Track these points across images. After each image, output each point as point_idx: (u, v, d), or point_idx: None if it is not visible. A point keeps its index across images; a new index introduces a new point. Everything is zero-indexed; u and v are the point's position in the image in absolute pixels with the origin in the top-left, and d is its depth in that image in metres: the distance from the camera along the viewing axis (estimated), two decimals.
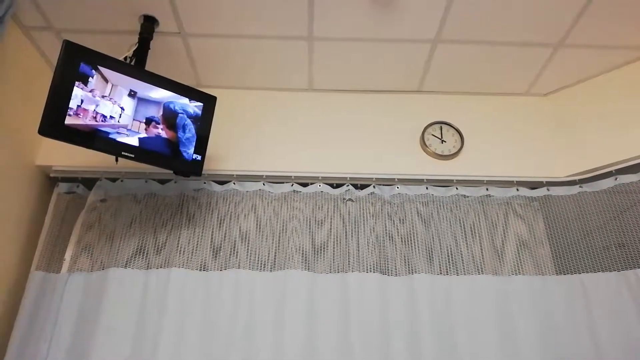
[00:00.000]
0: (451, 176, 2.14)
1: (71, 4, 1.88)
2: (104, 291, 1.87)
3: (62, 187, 2.16)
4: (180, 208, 2.10)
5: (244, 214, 2.09)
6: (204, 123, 1.88)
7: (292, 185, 2.16)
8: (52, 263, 1.98)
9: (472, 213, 2.10)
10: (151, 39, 1.94)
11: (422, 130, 2.21)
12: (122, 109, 1.70)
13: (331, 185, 2.17)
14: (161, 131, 1.78)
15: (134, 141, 1.71)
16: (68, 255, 1.99)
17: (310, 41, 2.05)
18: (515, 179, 2.14)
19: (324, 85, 2.32)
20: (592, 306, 1.85)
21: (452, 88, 2.32)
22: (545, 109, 2.30)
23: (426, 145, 2.18)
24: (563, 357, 1.78)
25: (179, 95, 1.84)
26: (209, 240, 2.02)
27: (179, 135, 1.82)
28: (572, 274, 1.93)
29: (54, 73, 1.59)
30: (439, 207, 2.12)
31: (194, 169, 1.85)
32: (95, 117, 1.64)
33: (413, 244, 2.01)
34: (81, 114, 1.61)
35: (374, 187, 2.15)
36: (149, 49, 1.93)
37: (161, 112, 1.79)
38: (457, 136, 2.21)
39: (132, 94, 1.73)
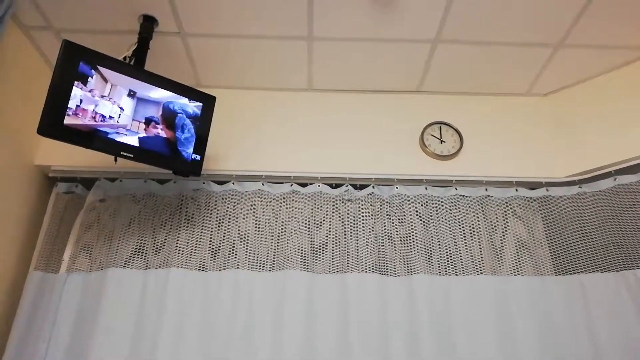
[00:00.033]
0: (450, 176, 2.14)
1: (71, 4, 1.88)
2: (103, 291, 1.86)
3: (61, 187, 2.16)
4: (179, 208, 2.10)
5: (243, 214, 2.09)
6: (203, 123, 1.88)
7: (292, 185, 2.15)
8: (51, 263, 1.98)
9: (471, 213, 2.10)
10: (150, 38, 1.94)
11: (422, 130, 2.21)
12: (122, 109, 1.70)
13: (330, 186, 2.16)
14: (160, 131, 1.78)
15: (133, 141, 1.71)
16: (67, 255, 1.99)
17: (310, 41, 2.05)
18: (514, 180, 2.14)
19: (324, 85, 2.32)
20: (591, 306, 1.85)
21: (452, 88, 2.32)
22: (545, 109, 2.30)
23: (425, 146, 2.18)
24: (562, 358, 1.78)
25: (179, 95, 1.84)
26: (208, 241, 2.02)
27: (178, 135, 1.82)
28: (571, 274, 1.93)
29: (53, 73, 1.59)
30: (438, 208, 2.12)
31: (193, 169, 1.85)
32: (94, 117, 1.64)
33: (412, 244, 2.01)
34: (80, 113, 1.61)
35: (373, 187, 2.15)
36: (149, 48, 1.93)
37: (160, 112, 1.79)
38: (456, 136, 2.21)
39: (131, 94, 1.73)
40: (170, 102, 1.81)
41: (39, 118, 1.55)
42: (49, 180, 2.17)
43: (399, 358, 1.77)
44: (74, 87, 1.60)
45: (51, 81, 1.58)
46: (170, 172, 2.00)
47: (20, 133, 1.99)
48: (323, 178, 2.15)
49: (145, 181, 2.15)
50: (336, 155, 2.18)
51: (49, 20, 1.95)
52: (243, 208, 2.10)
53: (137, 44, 1.90)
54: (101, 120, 1.65)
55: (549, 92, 2.32)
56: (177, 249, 1.98)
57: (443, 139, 2.21)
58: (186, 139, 1.83)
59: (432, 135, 2.21)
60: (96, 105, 1.65)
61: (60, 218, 2.08)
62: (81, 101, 1.61)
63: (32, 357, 1.78)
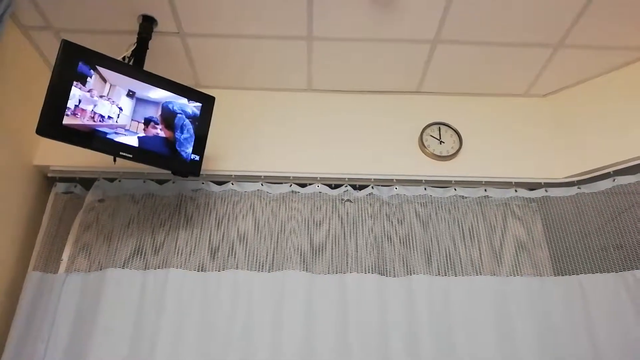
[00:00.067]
0: (449, 177, 2.14)
1: (70, 4, 1.88)
2: (102, 291, 1.86)
3: (60, 187, 2.16)
4: (179, 208, 2.10)
5: (242, 214, 2.09)
6: (202, 123, 1.88)
7: (291, 185, 2.15)
8: (50, 263, 1.98)
9: (470, 214, 2.10)
10: (150, 39, 1.94)
11: (421, 130, 2.21)
12: (120, 109, 1.70)
13: (329, 186, 2.16)
14: (160, 131, 1.78)
15: (132, 141, 1.71)
16: (65, 255, 1.99)
17: (310, 41, 2.05)
18: (513, 180, 2.14)
19: (323, 86, 2.32)
20: (590, 307, 1.85)
21: (451, 89, 2.32)
22: (544, 109, 2.30)
23: (425, 146, 2.17)
24: (561, 358, 1.78)
25: (178, 96, 1.83)
26: (207, 241, 2.02)
27: (177, 136, 1.81)
28: (570, 275, 1.93)
29: (52, 73, 1.59)
30: (437, 208, 2.12)
31: (192, 169, 1.85)
32: (93, 117, 1.64)
33: (411, 244, 2.01)
34: (79, 113, 1.61)
35: (372, 187, 2.15)
36: (148, 49, 1.93)
37: (160, 112, 1.79)
38: (455, 137, 2.21)
39: (130, 94, 1.73)
40: (170, 102, 1.81)
41: (38, 118, 1.54)
42: (47, 180, 2.17)
43: (398, 358, 1.77)
44: (73, 87, 1.60)
45: (50, 81, 1.58)
46: (169, 172, 2.00)
47: (19, 133, 1.99)
48: (322, 178, 2.15)
49: (144, 181, 2.15)
50: (335, 155, 2.18)
51: (48, 20, 1.95)
52: (242, 208, 2.10)
53: (136, 44, 1.89)
54: (100, 121, 1.65)
55: (548, 92, 2.32)
56: (176, 249, 1.98)
57: (442, 139, 2.21)
58: (185, 139, 1.83)
59: (431, 135, 2.21)
60: (95, 106, 1.65)
61: (59, 218, 2.08)
62: (80, 101, 1.61)
63: (31, 357, 1.78)
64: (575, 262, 1.95)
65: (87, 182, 2.16)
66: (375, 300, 1.87)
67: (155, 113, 1.78)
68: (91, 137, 1.63)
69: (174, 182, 2.16)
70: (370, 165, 2.16)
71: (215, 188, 2.15)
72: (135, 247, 2.00)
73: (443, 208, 2.12)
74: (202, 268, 1.96)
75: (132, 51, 1.87)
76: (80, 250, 2.00)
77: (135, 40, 1.91)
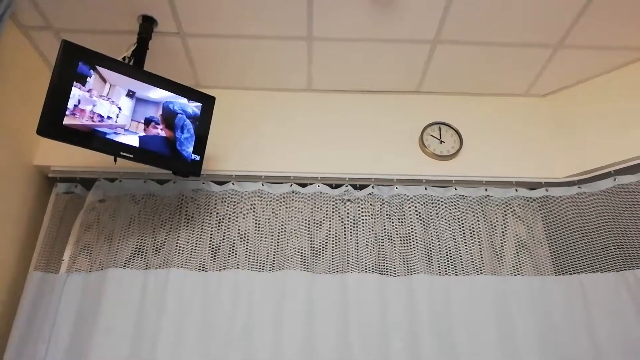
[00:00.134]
0: (450, 177, 2.14)
1: (70, 4, 1.88)
2: (103, 291, 1.86)
3: (61, 187, 2.16)
4: (179, 208, 2.10)
5: (242, 214, 2.09)
6: (202, 123, 1.88)
7: (291, 185, 2.15)
8: (51, 263, 1.98)
9: (470, 213, 2.10)
10: (150, 39, 1.94)
11: (421, 130, 2.21)
12: (120, 109, 1.70)
13: (330, 186, 2.16)
14: (160, 131, 1.78)
15: (132, 141, 1.71)
16: (66, 255, 1.99)
17: (310, 41, 2.05)
18: (514, 180, 2.14)
19: (323, 86, 2.32)
20: (590, 306, 1.85)
21: (451, 89, 2.32)
22: (545, 109, 2.30)
23: (425, 146, 2.18)
24: (562, 357, 1.78)
25: (178, 96, 1.84)
26: (208, 241, 2.02)
27: (178, 135, 1.82)
28: (570, 274, 1.93)
29: (52, 73, 1.59)
30: (437, 208, 2.12)
31: (193, 169, 1.85)
32: (92, 117, 1.64)
33: (412, 244, 2.01)
34: (78, 114, 1.61)
35: (372, 187, 2.15)
36: (148, 49, 1.93)
37: (160, 112, 1.79)
38: (455, 137, 2.21)
39: (130, 94, 1.73)
40: (170, 102, 1.81)
41: (38, 118, 1.54)
42: (48, 180, 2.17)
43: (398, 358, 1.77)
44: (73, 88, 1.60)
45: (50, 81, 1.58)
46: (170, 172, 2.00)
47: (19, 133, 1.99)
48: (323, 178, 2.15)
49: (144, 181, 2.15)
50: (336, 155, 2.18)
51: (48, 20, 1.95)
52: (243, 208, 2.10)
53: (136, 44, 1.89)
54: (99, 121, 1.65)
55: (548, 92, 2.32)
56: (177, 249, 1.98)
57: (443, 139, 2.21)
58: (186, 139, 1.83)
59: (431, 135, 2.21)
60: (94, 106, 1.64)
61: (60, 218, 2.08)
62: (79, 101, 1.61)
63: (32, 357, 1.78)
64: (576, 262, 1.95)
65: (87, 182, 2.16)
66: (375, 300, 1.88)
67: (155, 113, 1.78)
68: (91, 137, 1.63)
69: (174, 182, 2.16)
70: (371, 165, 2.16)
71: (216, 188, 2.15)
72: (136, 247, 2.00)
73: (444, 207, 2.12)
74: (203, 268, 1.96)
75: (132, 51, 1.87)
76: (81, 251, 2.00)
77: (135, 41, 1.91)
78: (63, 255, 1.99)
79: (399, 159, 2.17)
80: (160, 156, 1.77)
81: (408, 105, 2.31)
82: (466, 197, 2.14)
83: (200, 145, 1.86)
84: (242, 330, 1.82)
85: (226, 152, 2.17)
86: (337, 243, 2.02)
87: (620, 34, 1.97)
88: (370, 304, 1.87)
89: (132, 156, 1.71)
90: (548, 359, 1.78)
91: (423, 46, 2.06)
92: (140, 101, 1.75)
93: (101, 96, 1.66)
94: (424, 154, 2.19)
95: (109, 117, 1.67)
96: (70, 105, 1.59)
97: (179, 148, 1.81)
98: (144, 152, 1.73)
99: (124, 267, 1.94)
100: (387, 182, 2.17)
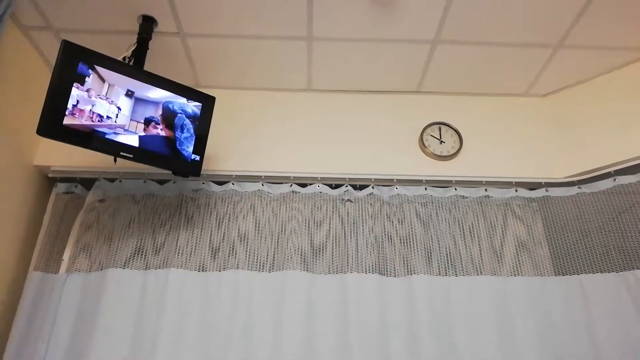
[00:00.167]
0: (450, 177, 2.14)
1: (70, 4, 1.88)
2: (103, 292, 1.86)
3: (61, 187, 2.16)
4: (179, 208, 2.10)
5: (242, 214, 2.09)
6: (202, 123, 1.88)
7: (291, 185, 2.15)
8: (51, 263, 1.98)
9: (470, 214, 2.10)
10: (150, 39, 1.94)
11: (421, 130, 2.21)
12: (119, 108, 1.70)
13: (330, 186, 2.16)
14: (160, 131, 1.78)
15: (132, 141, 1.71)
16: (66, 255, 1.99)
17: (310, 41, 2.05)
18: (514, 180, 2.14)
19: (323, 86, 2.32)
20: (590, 306, 1.85)
21: (451, 89, 2.32)
22: (545, 109, 2.30)
23: (425, 146, 2.18)
24: (562, 357, 1.78)
25: (177, 95, 1.83)
26: (208, 241, 2.02)
27: (177, 135, 1.81)
28: (570, 274, 1.93)
29: (53, 73, 1.59)
30: (437, 208, 2.12)
31: (193, 169, 1.85)
32: (91, 117, 1.64)
33: (412, 244, 2.01)
34: (77, 113, 1.61)
35: (372, 187, 2.15)
36: (148, 49, 1.93)
37: (160, 112, 1.79)
38: (455, 137, 2.21)
39: (129, 94, 1.73)
40: (170, 102, 1.81)
41: (38, 118, 1.55)
42: (48, 180, 2.17)
43: (399, 358, 1.77)
44: (73, 88, 1.60)
45: (50, 81, 1.58)
46: (170, 172, 2.00)
47: (19, 133, 1.99)
48: (323, 178, 2.15)
49: (144, 181, 2.15)
50: (336, 155, 2.18)
51: (48, 20, 1.95)
52: (243, 208, 2.10)
53: (136, 45, 1.89)
54: (98, 120, 1.65)
55: (548, 92, 2.32)
56: (177, 250, 1.98)
57: (442, 139, 2.21)
58: (186, 138, 1.83)
59: (431, 135, 2.21)
60: (93, 105, 1.64)
61: (59, 218, 2.08)
62: (78, 101, 1.61)
63: (31, 357, 1.78)
64: (575, 262, 1.95)
65: (87, 182, 2.16)
66: (375, 300, 1.87)
67: (155, 113, 1.78)
68: (90, 137, 1.63)
69: (174, 182, 2.16)
70: (371, 165, 2.16)
71: (216, 188, 2.15)
72: (135, 247, 2.00)
73: (443, 208, 2.12)
74: (202, 268, 1.96)
75: (132, 51, 1.87)
76: (81, 251, 2.00)
77: (135, 41, 1.91)
78: (63, 255, 1.99)
79: (399, 159, 2.17)
80: (160, 156, 1.77)
81: (408, 105, 2.31)
82: (466, 197, 2.14)
83: (200, 145, 1.86)
84: (241, 330, 1.82)
85: (226, 152, 2.17)
86: (337, 243, 2.02)
87: (620, 34, 1.97)
88: (370, 304, 1.87)
89: (132, 156, 1.71)
90: (548, 359, 1.77)
91: (423, 46, 2.06)
92: (139, 101, 1.75)
93: (100, 96, 1.66)
94: (423, 154, 2.19)
95: (108, 117, 1.67)
96: (69, 105, 1.59)
97: (179, 148, 1.81)
98: (143, 152, 1.73)
99: (124, 267, 1.94)
100: (387, 183, 2.17)
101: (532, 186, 2.15)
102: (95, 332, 1.79)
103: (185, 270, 1.93)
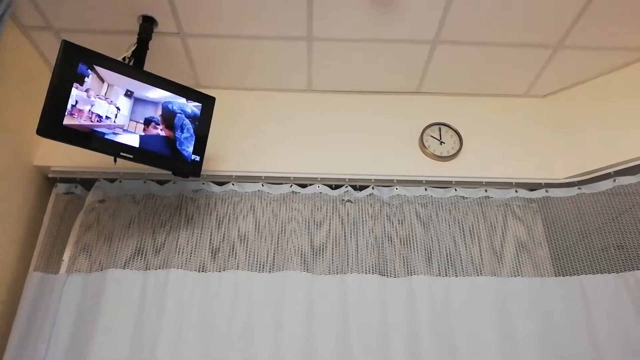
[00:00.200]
0: (450, 177, 2.14)
1: (70, 4, 1.88)
2: (103, 292, 1.86)
3: (61, 187, 2.16)
4: (179, 209, 2.10)
5: (242, 214, 2.09)
6: (202, 123, 1.88)
7: (291, 186, 2.15)
8: (51, 264, 1.98)
9: (471, 214, 2.10)
10: (150, 39, 1.94)
11: (421, 131, 2.21)
12: (118, 109, 1.70)
13: (330, 187, 2.16)
14: (160, 132, 1.78)
15: (132, 142, 1.71)
16: (66, 256, 1.99)
17: (310, 42, 2.05)
18: (514, 181, 2.14)
19: (323, 86, 2.32)
20: (591, 307, 1.85)
21: (451, 89, 2.32)
22: (545, 110, 2.30)
23: (425, 147, 2.17)
24: (562, 358, 1.78)
25: (177, 96, 1.83)
26: (208, 241, 2.02)
27: (177, 135, 1.81)
28: (570, 275, 1.93)
29: (53, 73, 1.58)
30: (437, 209, 2.12)
31: (193, 169, 1.85)
32: (90, 117, 1.63)
33: (412, 245, 2.01)
34: (76, 114, 1.60)
35: (372, 188, 2.15)
36: (148, 49, 1.93)
37: (160, 112, 1.78)
38: (455, 137, 2.21)
39: (128, 94, 1.73)
40: (169, 102, 1.81)
41: (38, 118, 1.54)
42: (48, 180, 2.17)
43: (399, 359, 1.77)
44: (73, 88, 1.60)
45: (50, 82, 1.57)
46: (170, 173, 2.00)
47: (19, 133, 1.99)
48: (323, 179, 2.15)
49: (144, 182, 2.15)
50: (336, 156, 2.18)
51: (48, 20, 1.95)
52: (243, 209, 2.10)
53: (136, 45, 1.89)
54: (97, 121, 1.65)
55: (548, 93, 2.32)
56: (177, 250, 1.98)
57: (442, 140, 2.21)
58: (186, 138, 1.83)
59: (431, 136, 2.21)
60: (92, 106, 1.64)
61: (60, 219, 2.08)
62: (77, 102, 1.61)
63: (32, 357, 1.78)
64: (575, 263, 1.95)
65: (87, 183, 2.16)
66: (375, 301, 1.87)
67: (155, 113, 1.77)
68: (89, 138, 1.63)
69: (174, 183, 2.16)
70: (371, 166, 2.16)
71: (216, 188, 2.15)
72: (136, 247, 2.00)
73: (444, 208, 2.12)
74: (202, 268, 1.96)
75: (133, 52, 1.87)
76: (81, 251, 2.00)
77: (135, 41, 1.91)
78: (63, 255, 1.99)
79: (399, 160, 2.17)
80: (160, 156, 1.77)
81: (408, 106, 2.31)
82: (466, 198, 2.14)
83: (200, 146, 1.86)
84: (241, 330, 1.82)
85: (226, 153, 2.17)
86: (337, 244, 2.02)
87: (620, 35, 1.97)
88: (370, 304, 1.87)
89: (131, 157, 1.70)
90: (548, 359, 1.78)
91: (423, 46, 2.06)
92: (138, 101, 1.75)
93: (99, 96, 1.66)
94: (423, 154, 2.19)
95: (107, 117, 1.67)
96: (68, 105, 1.59)
97: (179, 148, 1.81)
98: (143, 153, 1.73)
99: (124, 267, 1.94)
100: (387, 183, 2.17)
101: (532, 187, 2.15)
102: (95, 332, 1.79)
103: (186, 271, 1.92)
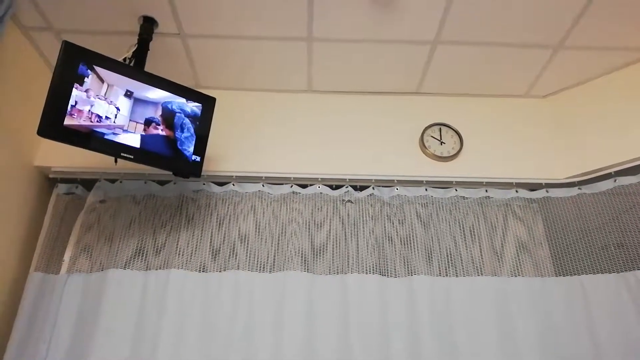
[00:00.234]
0: (450, 178, 2.14)
1: (71, 5, 1.88)
2: (103, 292, 1.86)
3: (61, 188, 2.16)
4: (180, 209, 2.10)
5: (243, 215, 2.09)
6: (203, 124, 1.88)
7: (292, 186, 2.15)
8: (51, 264, 1.98)
9: (471, 214, 2.10)
10: (150, 39, 1.94)
11: (422, 131, 2.21)
12: (118, 109, 1.70)
13: (330, 187, 2.16)
14: (161, 132, 1.78)
15: (132, 142, 1.71)
16: (67, 256, 1.99)
17: (310, 42, 2.05)
18: (514, 181, 2.14)
19: (323, 87, 2.32)
20: (591, 307, 1.85)
21: (452, 89, 2.32)
22: (545, 110, 2.30)
23: (425, 147, 2.18)
24: (562, 358, 1.78)
25: (177, 96, 1.83)
26: (208, 242, 2.02)
27: (178, 135, 1.82)
28: (571, 275, 1.93)
29: (53, 74, 1.59)
30: (438, 209, 2.12)
31: (193, 170, 1.85)
32: (90, 118, 1.64)
33: (412, 245, 2.01)
34: (76, 114, 1.61)
35: (373, 188, 2.15)
36: (148, 49, 1.93)
37: (160, 113, 1.79)
38: (456, 138, 2.21)
39: (128, 94, 1.73)
40: (169, 102, 1.81)
41: (39, 119, 1.55)
42: (49, 181, 2.17)
43: (399, 359, 1.77)
44: (74, 89, 1.60)
45: (51, 82, 1.58)
46: (171, 173, 2.00)
47: (20, 134, 1.99)
48: (323, 179, 2.15)
49: (145, 182, 2.15)
50: (336, 156, 2.18)
51: (49, 21, 1.95)
52: (243, 209, 2.11)
53: (137, 45, 1.89)
54: (97, 121, 1.65)
55: (548, 93, 2.32)
56: (178, 250, 1.98)
57: (443, 140, 2.21)
58: (186, 138, 1.83)
59: (432, 136, 2.21)
60: (92, 106, 1.64)
61: (60, 219, 2.08)
62: (76, 102, 1.61)
63: (32, 357, 1.78)
64: (576, 263, 1.95)
65: (88, 183, 2.16)
66: (376, 301, 1.87)
67: (155, 113, 1.78)
68: (89, 138, 1.63)
69: (175, 183, 2.16)
70: (371, 166, 2.16)
71: (216, 189, 2.15)
72: (136, 248, 2.00)
73: (444, 208, 2.12)
74: (203, 269, 1.96)
75: (133, 52, 1.87)
76: (81, 251, 2.00)
77: (135, 41, 1.91)
78: (63, 256, 1.99)
79: (400, 160, 2.17)
80: (161, 157, 1.77)
81: (408, 106, 2.31)
82: (466, 198, 2.14)
83: (200, 146, 1.86)
84: (242, 331, 1.82)
85: (226, 153, 2.17)
86: (338, 244, 2.02)
87: (620, 35, 1.97)
88: (371, 305, 1.87)
89: (132, 157, 1.70)
90: (548, 359, 1.77)
91: (423, 47, 2.06)
92: (138, 101, 1.75)
93: (98, 96, 1.66)
94: (424, 155, 2.19)
95: (106, 118, 1.67)
96: (68, 106, 1.59)
97: (180, 147, 1.81)
98: (144, 153, 1.73)
99: (125, 267, 1.94)
100: (388, 183, 2.17)
101: (533, 187, 2.15)
102: (96, 332, 1.79)
103: (186, 271, 1.93)
